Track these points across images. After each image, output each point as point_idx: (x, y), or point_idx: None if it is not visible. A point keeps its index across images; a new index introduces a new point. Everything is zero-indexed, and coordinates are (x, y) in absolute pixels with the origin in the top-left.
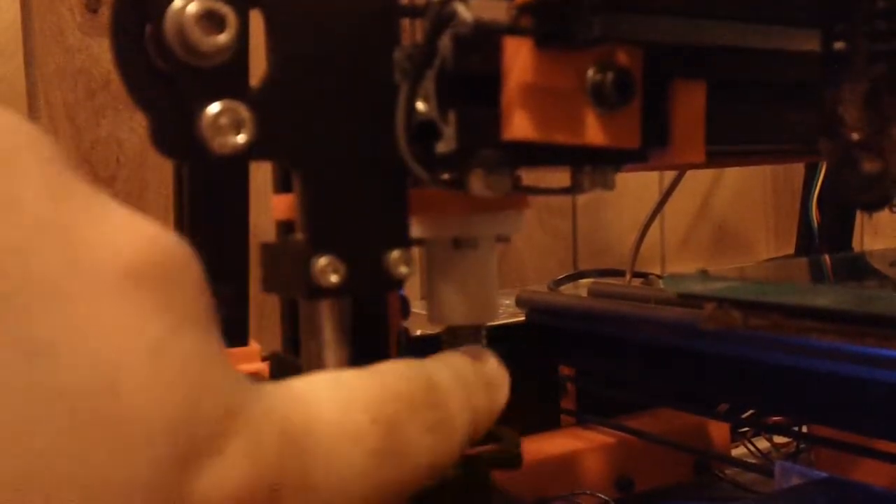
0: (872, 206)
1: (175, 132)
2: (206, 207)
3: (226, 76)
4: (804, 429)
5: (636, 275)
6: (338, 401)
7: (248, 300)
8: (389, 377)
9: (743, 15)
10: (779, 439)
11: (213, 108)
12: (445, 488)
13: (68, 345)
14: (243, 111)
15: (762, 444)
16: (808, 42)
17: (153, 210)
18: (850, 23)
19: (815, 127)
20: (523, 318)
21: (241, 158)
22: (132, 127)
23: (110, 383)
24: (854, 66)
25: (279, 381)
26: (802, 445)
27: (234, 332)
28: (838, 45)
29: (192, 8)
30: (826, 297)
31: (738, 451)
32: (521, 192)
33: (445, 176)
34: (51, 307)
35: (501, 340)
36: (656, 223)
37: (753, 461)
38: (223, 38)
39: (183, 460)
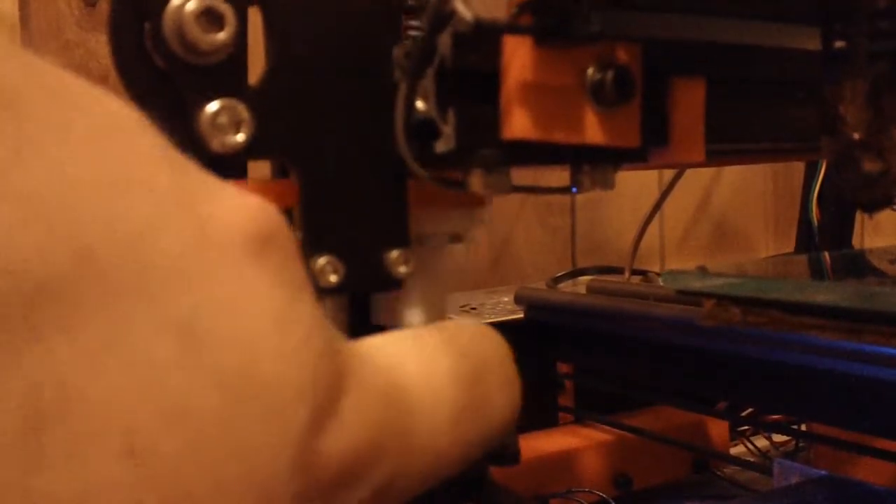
0: (873, 206)
1: (173, 130)
2: None
3: (224, 74)
4: (803, 427)
5: (635, 272)
6: (424, 359)
7: None
8: (462, 335)
9: (743, 12)
10: (778, 437)
11: (212, 106)
12: (442, 484)
13: (209, 322)
14: (242, 110)
15: (761, 442)
16: (809, 40)
17: None
18: (850, 21)
19: (815, 125)
20: (521, 316)
21: (241, 157)
22: None
23: (250, 357)
24: (854, 64)
25: (367, 341)
26: (801, 444)
27: None
28: (839, 43)
29: (191, 5)
30: (825, 294)
31: (737, 450)
32: (520, 192)
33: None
34: (186, 285)
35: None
36: (655, 220)
37: (752, 459)
38: (222, 35)
39: (312, 422)
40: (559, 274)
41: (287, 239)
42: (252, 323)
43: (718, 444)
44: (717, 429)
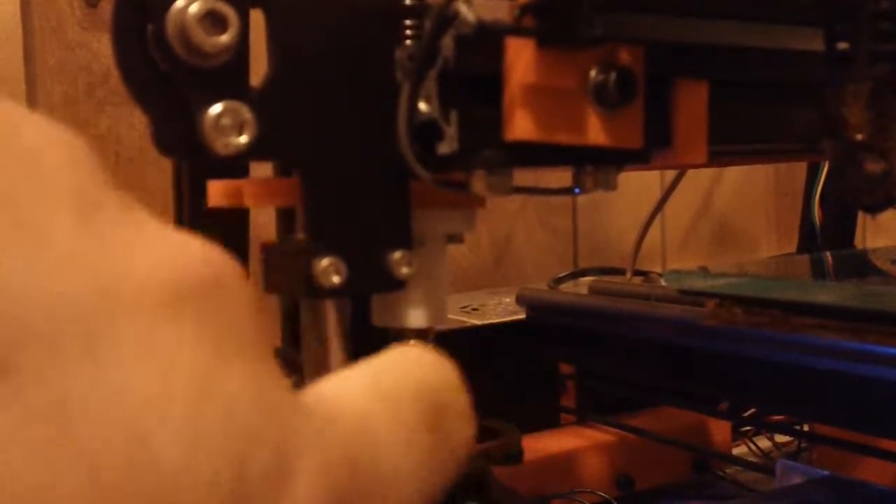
0: (876, 208)
1: (176, 132)
2: (206, 204)
3: (227, 76)
4: (806, 427)
5: (637, 273)
6: (387, 406)
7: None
8: (418, 368)
9: (746, 14)
10: (780, 438)
11: (216, 108)
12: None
13: (91, 394)
14: (245, 112)
15: (763, 443)
16: (811, 41)
17: (152, 207)
18: (852, 23)
19: (817, 127)
20: (523, 317)
21: (244, 158)
22: (132, 123)
23: (140, 436)
24: (856, 66)
25: (320, 388)
26: (804, 444)
27: None
28: (841, 45)
29: (194, 8)
30: (827, 294)
31: (740, 451)
32: (522, 193)
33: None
34: (77, 352)
35: (501, 338)
36: (657, 221)
37: (754, 460)
38: (225, 38)
39: None
40: (561, 275)
41: (227, 291)
42: (146, 395)
43: (720, 444)
44: (719, 429)
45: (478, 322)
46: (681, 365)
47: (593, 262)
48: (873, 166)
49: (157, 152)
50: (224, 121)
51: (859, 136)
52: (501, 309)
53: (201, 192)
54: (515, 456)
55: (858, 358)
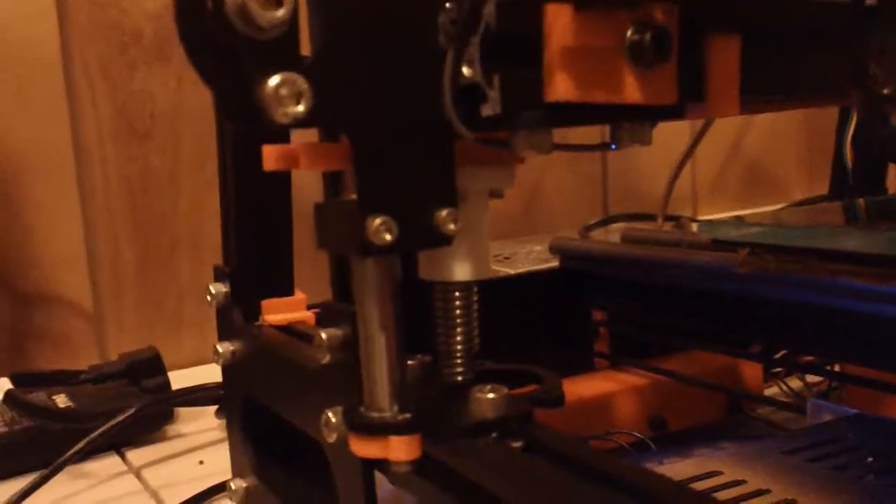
0: None
1: (238, 102)
2: (249, 161)
3: (283, 49)
4: (837, 368)
5: (668, 218)
6: None
7: (291, 251)
8: None
9: None
10: (811, 378)
11: (274, 79)
12: (491, 424)
13: None
14: (301, 82)
15: (795, 384)
16: None
17: (188, 163)
18: None
19: (847, 77)
20: (556, 265)
21: (300, 126)
22: (164, 80)
23: None
24: (885, 19)
25: None
26: (834, 384)
27: (279, 281)
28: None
29: None
30: (856, 241)
31: (771, 391)
32: (561, 149)
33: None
34: None
35: (535, 286)
36: (687, 166)
37: (786, 400)
38: (281, 12)
39: None
40: (591, 222)
41: None
42: None
43: (752, 385)
44: (751, 371)
45: (510, 271)
46: (712, 310)
47: (623, 208)
48: None
49: (191, 110)
50: (282, 91)
51: (886, 91)
52: (533, 257)
53: (245, 155)
54: (557, 400)
55: (886, 300)
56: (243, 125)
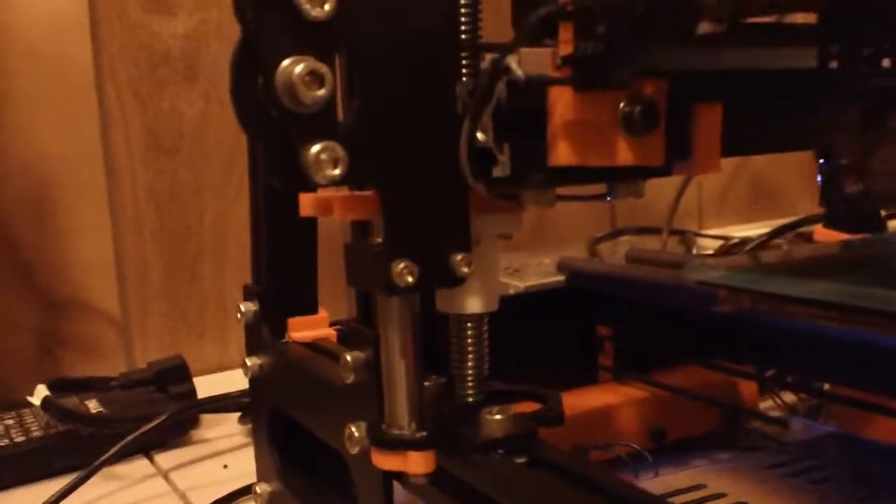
0: (858, 226)
1: (285, 165)
2: (280, 193)
3: (323, 120)
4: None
5: (673, 232)
6: None
7: (316, 272)
8: None
9: (755, 41)
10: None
11: (315, 147)
12: (499, 442)
13: None
14: (339, 149)
15: (789, 398)
16: (810, 60)
17: (213, 179)
18: (843, 53)
19: (815, 136)
20: (563, 280)
21: (336, 185)
22: (191, 100)
23: None
24: (846, 96)
25: None
26: (817, 402)
27: (305, 300)
28: (832, 63)
29: (298, 69)
30: (821, 288)
31: (766, 404)
32: (563, 201)
33: None
34: None
35: (544, 302)
36: (694, 181)
37: (778, 414)
38: (322, 91)
39: None
40: (599, 235)
41: None
42: None
43: (748, 399)
44: (747, 385)
45: (520, 284)
46: (707, 330)
47: (630, 222)
48: (853, 187)
49: (216, 130)
50: (322, 156)
51: (844, 161)
52: (542, 270)
53: (276, 189)
54: (557, 419)
55: (857, 327)
56: (286, 184)
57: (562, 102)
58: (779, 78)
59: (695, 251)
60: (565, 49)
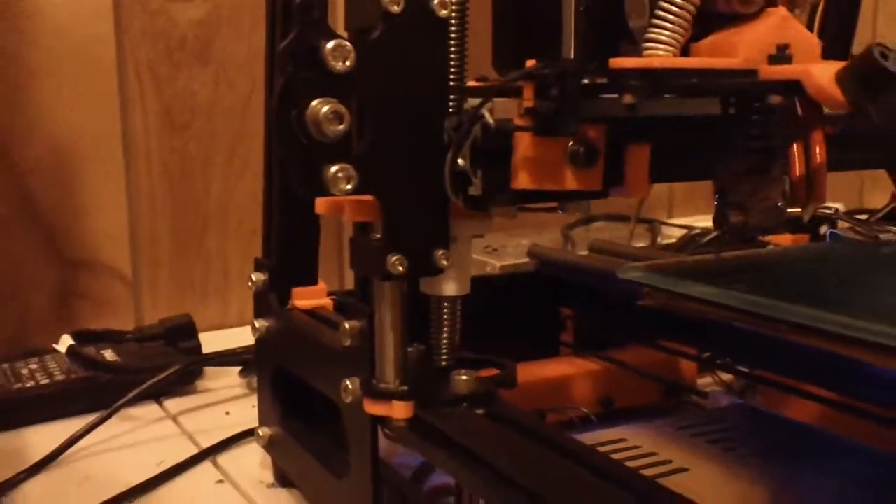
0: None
1: (308, 179)
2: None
3: (341, 148)
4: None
5: (641, 220)
6: None
7: (318, 250)
8: None
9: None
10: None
11: (334, 168)
12: (464, 398)
13: None
14: (351, 170)
15: (727, 376)
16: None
17: (220, 153)
18: (732, 125)
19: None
20: (532, 267)
21: (348, 195)
22: (204, 80)
23: None
24: (734, 153)
25: None
26: (745, 383)
27: (307, 274)
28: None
29: (324, 108)
30: (717, 294)
31: (705, 381)
32: (523, 212)
33: None
34: None
35: (515, 285)
36: None
37: (717, 388)
38: (342, 126)
39: None
40: (571, 222)
41: None
42: None
43: (687, 376)
44: (687, 364)
45: (496, 262)
46: (650, 316)
47: (603, 209)
48: (736, 218)
49: (225, 108)
50: (339, 175)
51: (731, 198)
52: (519, 251)
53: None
54: (511, 383)
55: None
56: (309, 192)
57: (523, 143)
58: (692, 124)
59: (660, 239)
60: (528, 103)
